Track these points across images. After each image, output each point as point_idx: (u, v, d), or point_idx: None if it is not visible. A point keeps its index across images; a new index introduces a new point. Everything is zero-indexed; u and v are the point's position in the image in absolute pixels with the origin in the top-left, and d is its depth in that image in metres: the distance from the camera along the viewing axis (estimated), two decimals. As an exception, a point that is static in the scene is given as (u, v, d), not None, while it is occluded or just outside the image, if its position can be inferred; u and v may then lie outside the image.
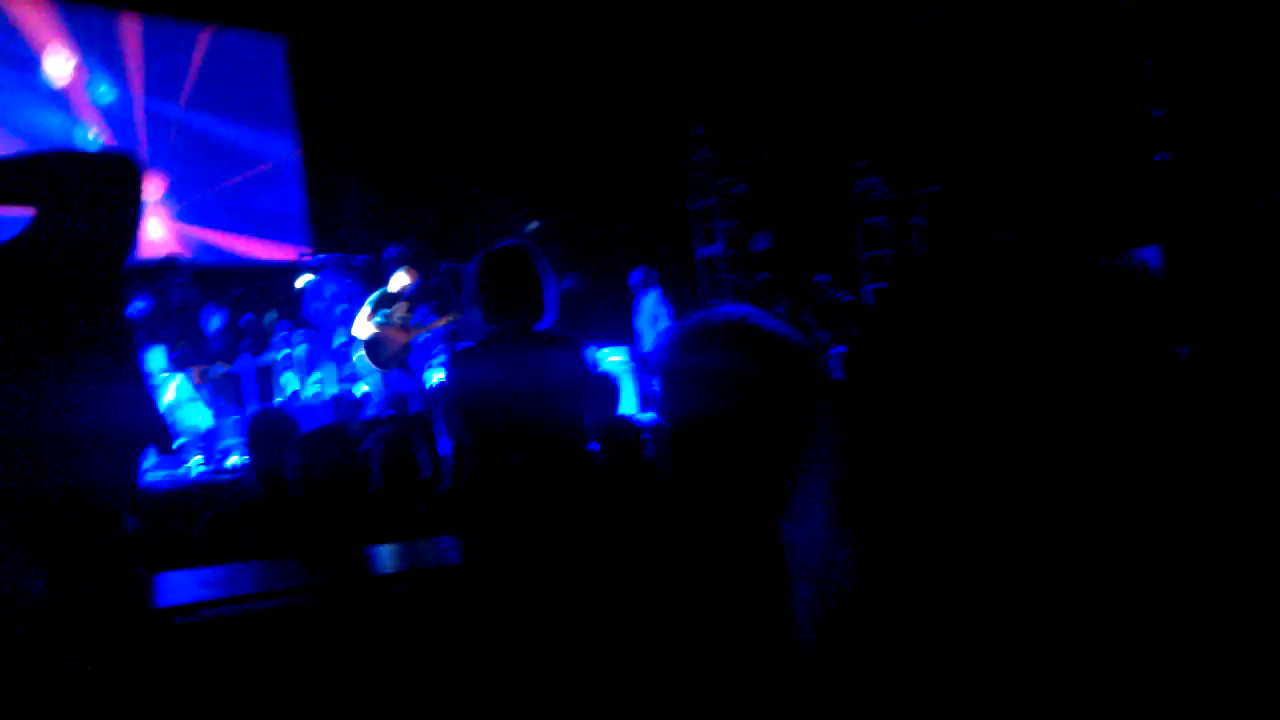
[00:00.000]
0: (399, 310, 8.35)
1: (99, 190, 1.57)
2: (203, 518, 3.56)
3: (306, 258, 9.77)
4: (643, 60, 12.87)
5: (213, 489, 5.85)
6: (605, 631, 2.46)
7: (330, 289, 9.32)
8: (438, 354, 9.12)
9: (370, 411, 8.19)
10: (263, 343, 8.76)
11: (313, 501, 3.17)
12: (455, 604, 2.49)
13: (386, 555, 2.80)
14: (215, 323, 8.39)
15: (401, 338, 8.25)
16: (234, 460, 7.67)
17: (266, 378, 8.78)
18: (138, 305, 7.93)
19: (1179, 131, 10.00)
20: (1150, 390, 0.68)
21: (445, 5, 12.03)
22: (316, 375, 9.07)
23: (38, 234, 1.55)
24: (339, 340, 9.08)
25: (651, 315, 10.08)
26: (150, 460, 6.23)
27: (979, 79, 11.23)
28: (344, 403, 8.49)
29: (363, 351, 8.24)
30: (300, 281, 9.48)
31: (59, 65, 10.69)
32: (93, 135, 10.64)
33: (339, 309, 9.17)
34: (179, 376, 8.12)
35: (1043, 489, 0.65)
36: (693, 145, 13.70)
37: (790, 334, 1.53)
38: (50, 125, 10.48)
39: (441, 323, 8.55)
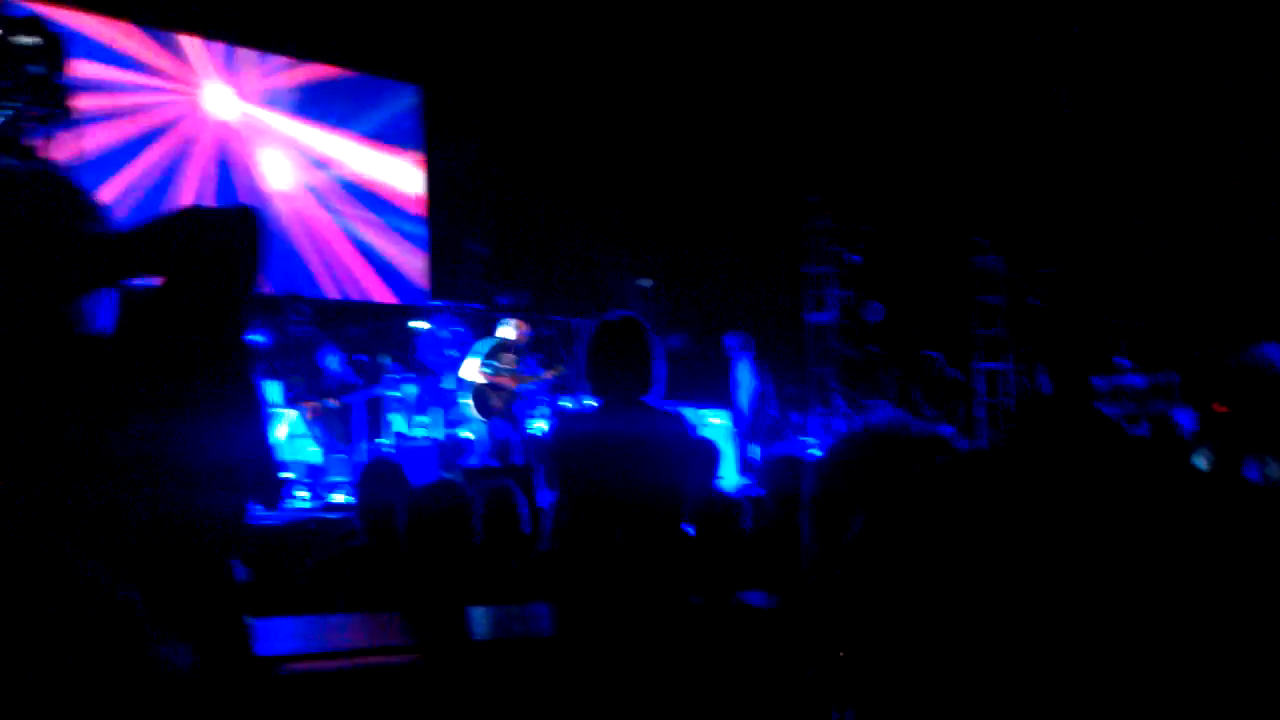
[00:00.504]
0: (507, 360, 8.48)
1: (226, 250, 1.64)
2: (308, 562, 3.65)
3: (419, 305, 10.02)
4: (764, 124, 12.95)
5: (320, 525, 5.97)
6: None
7: (443, 334, 9.52)
8: (542, 405, 9.23)
9: (474, 458, 8.30)
10: (374, 382, 8.97)
11: (418, 554, 3.22)
12: (545, 675, 2.51)
13: (481, 619, 2.83)
14: (331, 360, 8.62)
15: (509, 387, 8.36)
16: (339, 498, 7.84)
17: (375, 417, 8.97)
18: (257, 338, 8.19)
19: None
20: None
21: (572, 63, 12.29)
22: (424, 418, 9.25)
23: (167, 289, 1.63)
24: (448, 385, 9.25)
25: (745, 380, 10.03)
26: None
27: (1107, 160, 11.02)
28: (448, 447, 8.63)
29: (470, 398, 8.39)
30: (415, 324, 9.71)
31: (220, 98, 11.23)
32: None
33: (450, 354, 9.36)
34: (292, 412, 8.35)
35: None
36: (809, 211, 13.70)
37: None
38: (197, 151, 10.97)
39: (548, 375, 8.65)
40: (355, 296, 11.96)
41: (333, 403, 8.43)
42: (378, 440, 8.81)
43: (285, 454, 8.20)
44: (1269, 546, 0.70)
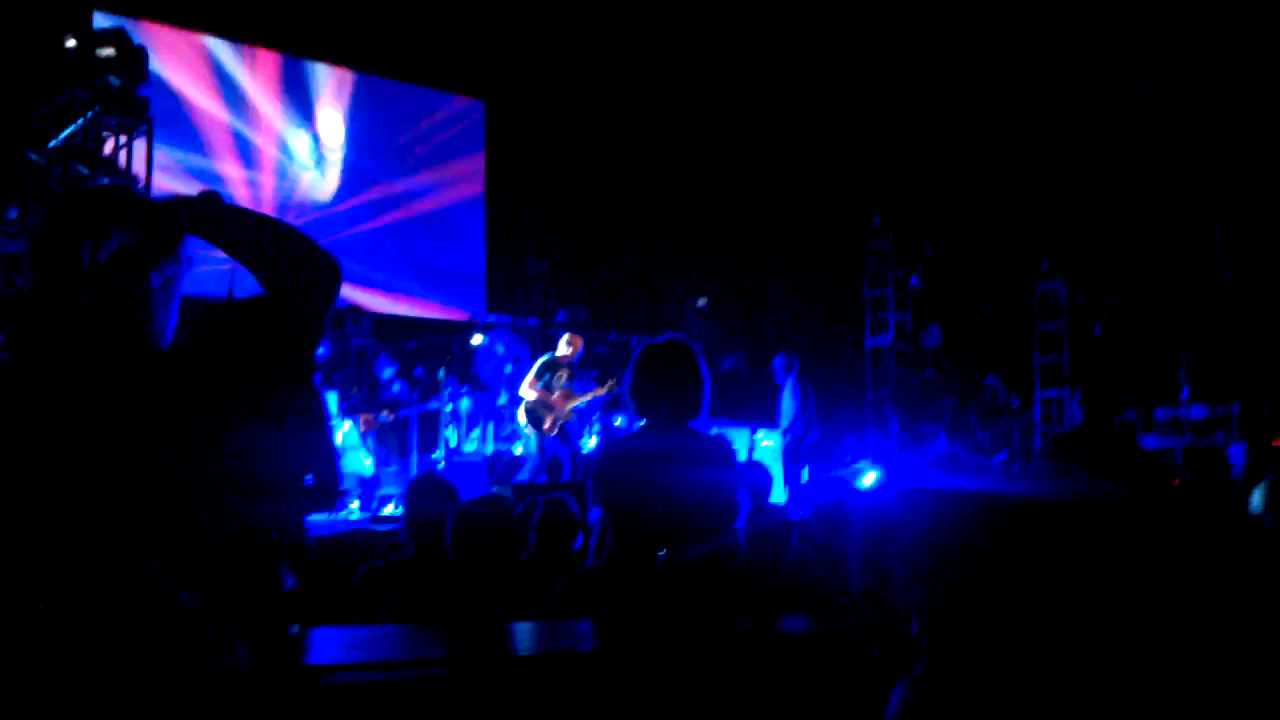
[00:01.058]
0: (561, 376, 8.52)
1: (310, 275, 1.68)
2: (358, 570, 3.69)
3: (476, 320, 10.10)
4: (827, 144, 12.91)
5: (369, 537, 6.04)
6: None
7: (500, 349, 9.59)
8: (595, 422, 9.25)
9: (525, 473, 8.34)
10: (429, 396, 9.06)
11: (466, 568, 3.25)
12: (585, 691, 2.52)
13: (524, 634, 2.85)
14: (388, 373, 8.72)
15: (562, 404, 8.40)
16: (390, 509, 7.92)
17: (430, 430, 9.06)
18: (319, 349, 8.30)
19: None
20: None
21: (636, 82, 12.36)
22: (476, 431, 9.31)
23: (252, 299, 1.68)
24: (503, 399, 9.31)
25: (786, 402, 9.95)
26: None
27: (1178, 187, 10.81)
28: (500, 461, 8.68)
29: (523, 414, 8.44)
30: (474, 340, 9.80)
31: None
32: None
33: (507, 369, 9.42)
34: (347, 422, 8.46)
35: None
36: (872, 233, 13.59)
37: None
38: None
39: (601, 391, 8.67)
40: (413, 310, 12.09)
41: (387, 416, 8.53)
42: (430, 454, 8.89)
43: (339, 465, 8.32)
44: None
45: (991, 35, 11.29)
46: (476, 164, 12.99)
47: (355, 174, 12.02)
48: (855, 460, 12.04)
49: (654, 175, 12.80)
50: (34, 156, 7.53)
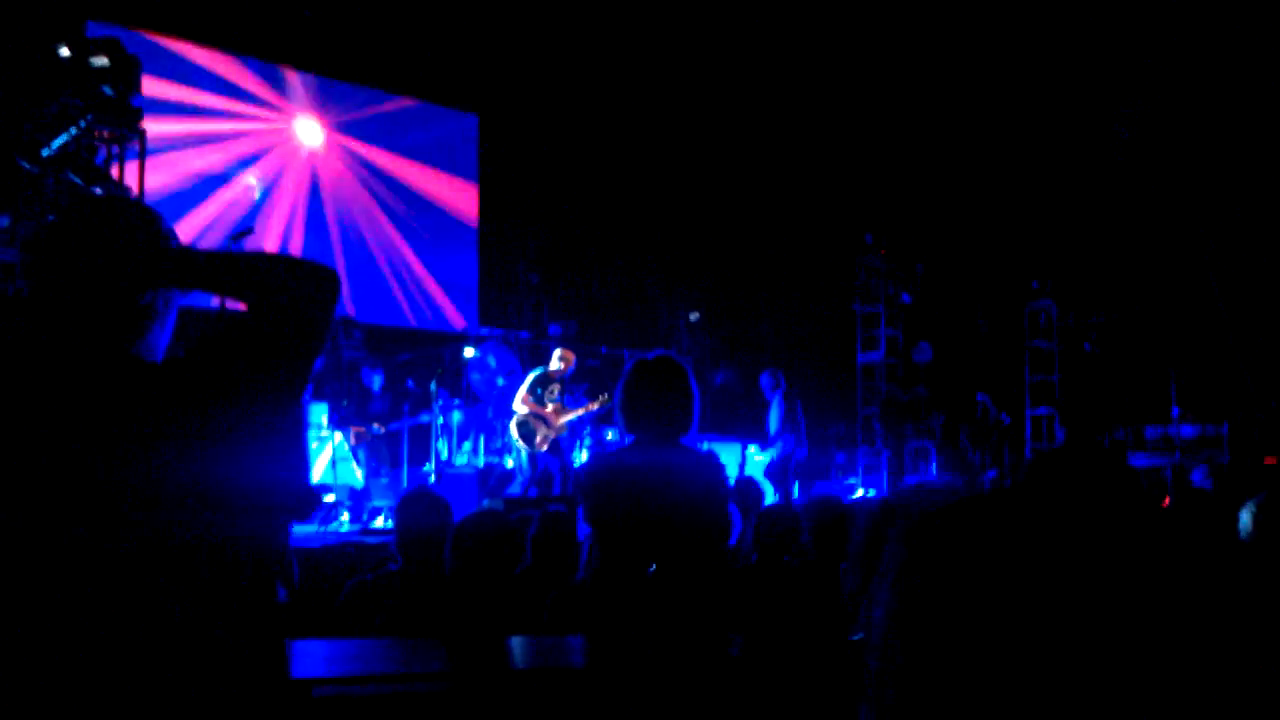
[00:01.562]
0: (553, 390, 8.52)
1: (302, 295, 1.69)
2: (347, 584, 3.68)
3: (468, 333, 10.11)
4: (819, 160, 12.96)
5: (359, 550, 6.02)
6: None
7: (492, 362, 9.59)
8: (587, 436, 9.25)
9: (516, 487, 8.33)
10: (422, 408, 9.04)
11: (462, 580, 3.24)
12: (576, 706, 2.52)
13: (515, 648, 2.85)
14: (376, 382, 8.70)
15: (555, 419, 8.40)
16: (381, 522, 7.89)
17: (421, 442, 9.04)
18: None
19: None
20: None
21: (629, 97, 12.40)
22: (468, 444, 9.30)
23: (247, 317, 1.68)
24: (494, 412, 9.30)
25: (772, 418, 9.95)
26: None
27: (1167, 205, 10.87)
28: (492, 475, 8.66)
29: (515, 428, 8.44)
30: (466, 353, 9.79)
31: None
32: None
33: (499, 382, 9.41)
34: (337, 434, 8.44)
35: None
36: (864, 249, 13.63)
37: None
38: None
39: (594, 406, 8.67)
40: (406, 322, 12.09)
41: (378, 428, 8.51)
42: (421, 467, 8.87)
43: (328, 478, 8.28)
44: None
45: (984, 55, 11.36)
46: (469, 177, 13.01)
47: (347, 187, 12.03)
48: (846, 476, 12.05)
49: (647, 190, 12.83)
50: (27, 165, 7.52)
